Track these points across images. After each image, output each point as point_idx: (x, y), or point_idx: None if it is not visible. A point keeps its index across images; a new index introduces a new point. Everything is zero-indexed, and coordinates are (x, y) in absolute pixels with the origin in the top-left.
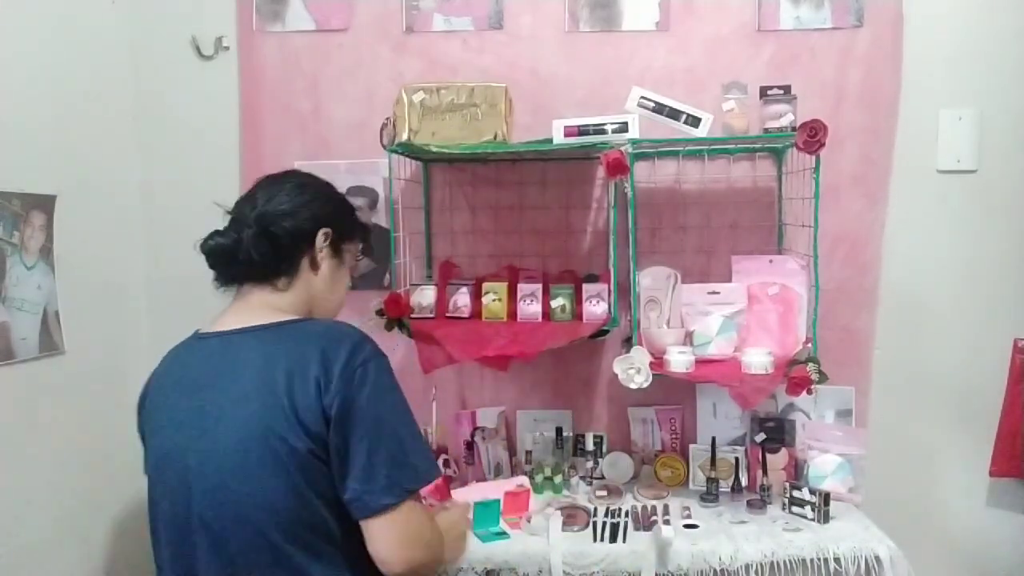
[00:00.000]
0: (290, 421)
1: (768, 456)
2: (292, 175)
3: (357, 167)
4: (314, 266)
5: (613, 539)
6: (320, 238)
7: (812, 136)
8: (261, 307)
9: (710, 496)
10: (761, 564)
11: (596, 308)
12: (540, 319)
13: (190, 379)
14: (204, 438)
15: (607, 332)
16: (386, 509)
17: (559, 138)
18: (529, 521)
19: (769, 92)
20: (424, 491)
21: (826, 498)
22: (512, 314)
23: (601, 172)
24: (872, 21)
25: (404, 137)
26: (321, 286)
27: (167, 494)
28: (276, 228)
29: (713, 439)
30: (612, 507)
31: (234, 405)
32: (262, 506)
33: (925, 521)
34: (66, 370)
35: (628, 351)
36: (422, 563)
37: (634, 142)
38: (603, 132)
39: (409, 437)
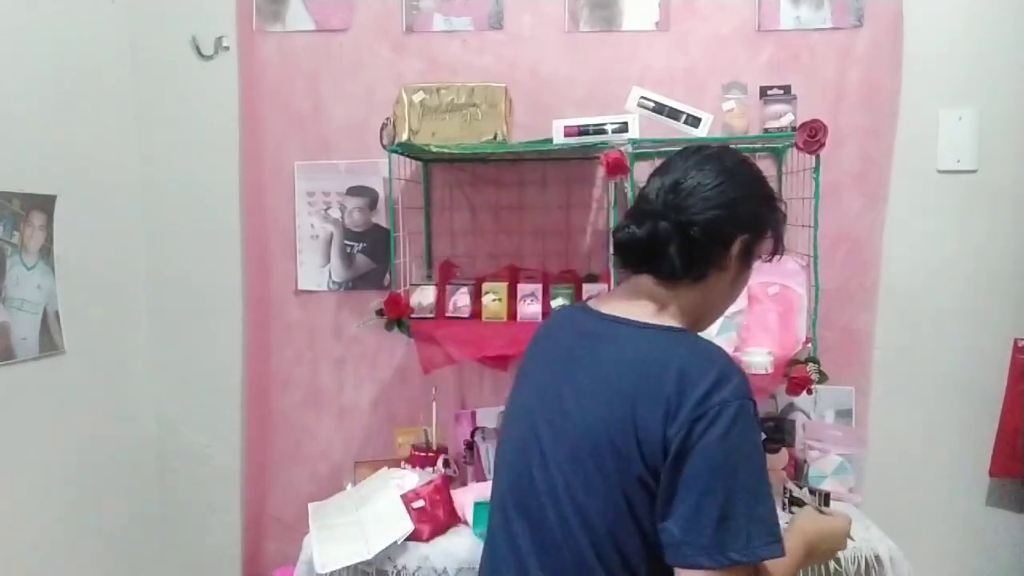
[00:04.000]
0: (628, 438)
1: (768, 456)
2: (719, 156)
3: (357, 167)
4: (720, 270)
5: None
6: (737, 245)
7: (812, 136)
8: (649, 302)
9: None
10: None
11: None
12: (540, 319)
13: (561, 350)
14: (552, 420)
15: None
16: (699, 568)
17: (559, 138)
18: None
19: (769, 92)
20: (421, 491)
21: (826, 498)
22: (512, 314)
23: (601, 172)
24: (872, 21)
25: (404, 137)
26: (720, 291)
27: (512, 453)
28: (695, 231)
29: None
30: None
31: (586, 398)
32: (581, 513)
33: (925, 521)
34: (66, 370)
35: None
36: None
37: (634, 142)
38: (603, 132)
39: (752, 500)
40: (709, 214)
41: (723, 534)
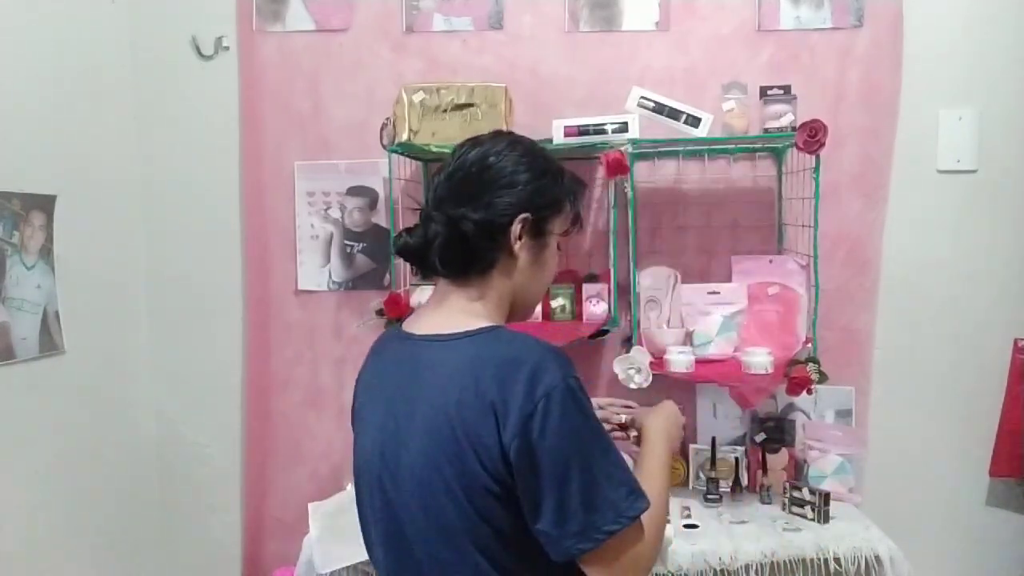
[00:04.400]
0: (465, 455)
1: (768, 456)
2: (487, 141)
3: (357, 167)
4: (509, 255)
5: None
6: (517, 226)
7: (812, 136)
8: (453, 307)
9: (711, 496)
10: (761, 564)
11: (596, 308)
12: (540, 319)
13: (389, 383)
14: (393, 463)
15: (607, 332)
16: (584, 553)
17: (559, 138)
18: None
19: (769, 92)
20: None
21: (826, 498)
22: None
23: (601, 172)
24: (872, 21)
25: (404, 137)
26: (523, 274)
27: (366, 499)
28: (465, 225)
29: (713, 439)
30: None
31: (416, 431)
32: (446, 540)
33: (925, 521)
34: (66, 370)
35: (628, 351)
36: None
37: (634, 142)
38: (603, 132)
39: (602, 474)
40: (469, 205)
41: (592, 514)
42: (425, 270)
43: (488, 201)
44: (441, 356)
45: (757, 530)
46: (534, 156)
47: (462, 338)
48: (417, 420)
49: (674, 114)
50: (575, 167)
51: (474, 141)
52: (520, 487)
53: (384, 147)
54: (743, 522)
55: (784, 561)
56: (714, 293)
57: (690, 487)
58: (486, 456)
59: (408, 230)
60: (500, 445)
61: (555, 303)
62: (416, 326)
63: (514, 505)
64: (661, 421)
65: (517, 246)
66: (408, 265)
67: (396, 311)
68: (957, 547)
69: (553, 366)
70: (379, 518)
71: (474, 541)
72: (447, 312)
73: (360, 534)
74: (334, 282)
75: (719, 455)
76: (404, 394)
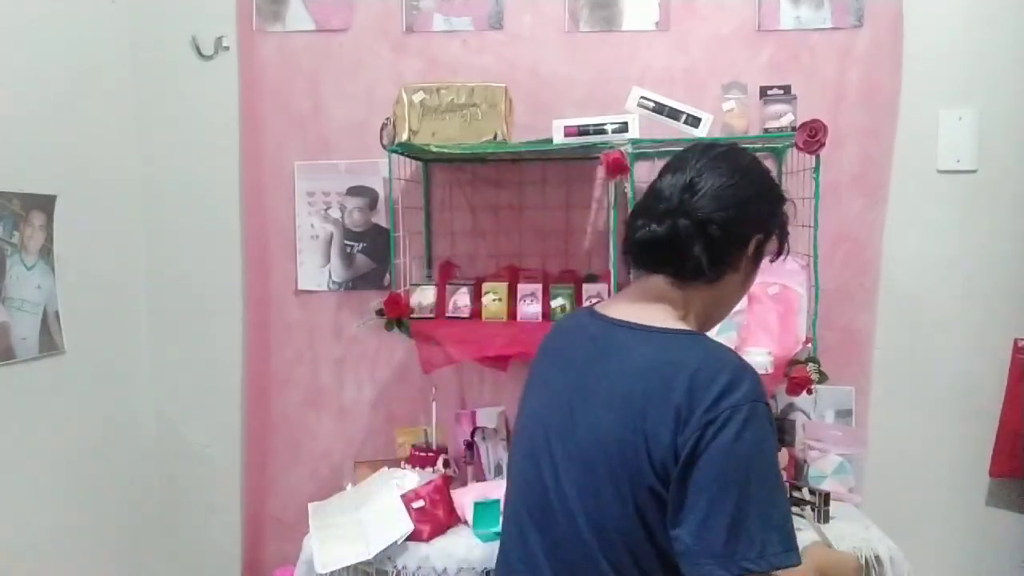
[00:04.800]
0: (638, 448)
1: None
2: (732, 155)
3: (357, 167)
4: (735, 271)
5: None
6: (752, 245)
7: (812, 136)
8: (660, 304)
9: None
10: None
11: None
12: (540, 319)
13: (566, 357)
14: (563, 430)
15: None
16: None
17: (559, 138)
18: None
19: (769, 92)
20: (421, 491)
21: (826, 498)
22: (512, 314)
23: (601, 172)
24: (872, 21)
25: (404, 137)
26: (730, 292)
27: (524, 464)
28: (714, 230)
29: None
30: None
31: (596, 407)
32: (593, 524)
33: (925, 521)
34: (66, 370)
35: None
36: None
37: (634, 142)
38: (603, 132)
39: (767, 505)
40: (727, 213)
41: (735, 543)
42: (653, 263)
43: (733, 216)
44: (638, 344)
45: None
46: (770, 180)
47: (663, 333)
48: (600, 395)
49: (674, 114)
50: (575, 167)
51: (718, 151)
52: (674, 489)
53: (384, 147)
54: None
55: None
56: None
57: None
58: (656, 451)
59: (652, 220)
60: (674, 444)
61: (555, 303)
62: (612, 311)
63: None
64: (826, 558)
65: (744, 262)
66: (403, 265)
67: (396, 311)
68: (957, 547)
69: (749, 383)
70: (531, 478)
71: (621, 529)
72: (653, 307)
73: (361, 535)
74: (334, 282)
75: None
76: (592, 368)
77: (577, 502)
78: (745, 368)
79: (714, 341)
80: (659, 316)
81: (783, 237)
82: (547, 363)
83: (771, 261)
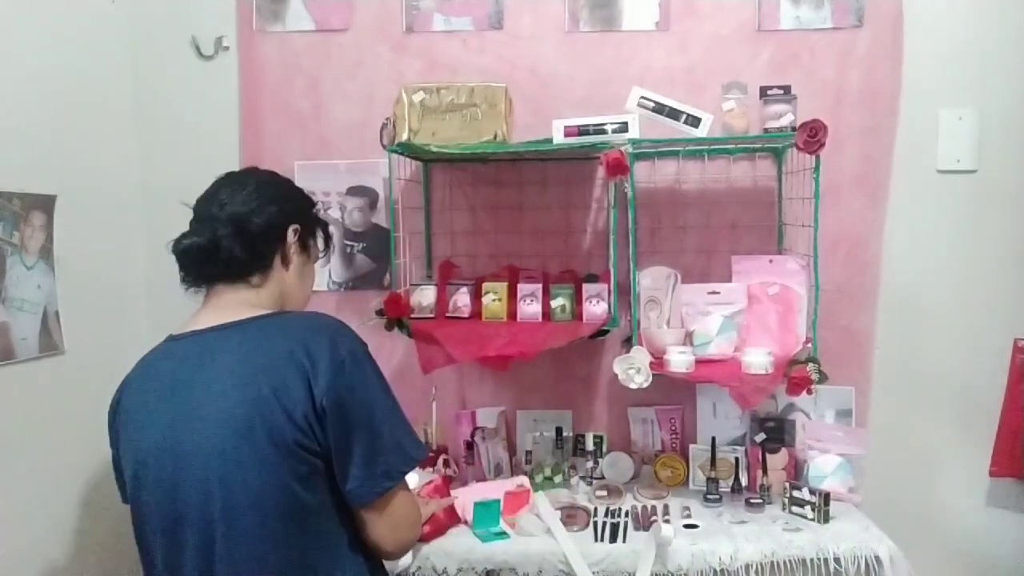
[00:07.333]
0: (274, 413)
1: (768, 456)
2: (253, 173)
3: (357, 167)
4: (285, 262)
5: (613, 539)
6: (290, 234)
7: (812, 136)
8: (236, 304)
9: (711, 496)
10: (761, 564)
11: (596, 308)
12: (540, 319)
13: (167, 381)
14: (188, 437)
15: (607, 332)
16: (384, 494)
17: (559, 138)
18: (514, 527)
19: (769, 92)
20: (424, 491)
21: (826, 498)
22: (512, 314)
23: (601, 172)
24: (872, 21)
25: (404, 137)
26: (292, 281)
27: (154, 496)
28: (250, 226)
29: (713, 439)
30: (612, 507)
31: (215, 400)
32: (251, 501)
33: (925, 521)
34: (66, 370)
35: (628, 351)
36: (411, 542)
37: (634, 142)
38: (603, 132)
39: (398, 421)
40: (260, 208)
41: (392, 456)
42: (203, 270)
43: (264, 208)
44: (237, 335)
45: (757, 530)
46: (291, 184)
47: (254, 319)
48: (212, 394)
49: (674, 114)
50: (575, 167)
51: (236, 173)
52: (333, 438)
53: (384, 147)
54: (743, 522)
55: (784, 561)
56: (714, 293)
57: (690, 487)
58: (296, 408)
59: (191, 234)
60: (312, 398)
61: (555, 303)
62: (193, 326)
63: (320, 459)
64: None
65: (291, 250)
66: (403, 265)
67: (396, 311)
68: (957, 547)
69: (347, 331)
70: (168, 511)
71: (275, 498)
72: (231, 309)
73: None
74: (334, 282)
75: (719, 455)
76: (197, 376)
77: (223, 489)
78: (336, 321)
79: (302, 311)
80: (239, 312)
81: (325, 230)
82: (144, 399)
83: (321, 255)
